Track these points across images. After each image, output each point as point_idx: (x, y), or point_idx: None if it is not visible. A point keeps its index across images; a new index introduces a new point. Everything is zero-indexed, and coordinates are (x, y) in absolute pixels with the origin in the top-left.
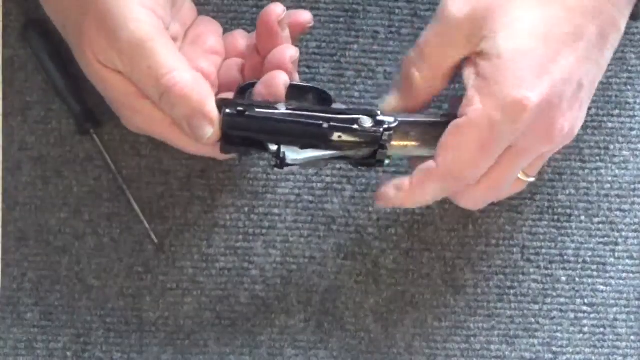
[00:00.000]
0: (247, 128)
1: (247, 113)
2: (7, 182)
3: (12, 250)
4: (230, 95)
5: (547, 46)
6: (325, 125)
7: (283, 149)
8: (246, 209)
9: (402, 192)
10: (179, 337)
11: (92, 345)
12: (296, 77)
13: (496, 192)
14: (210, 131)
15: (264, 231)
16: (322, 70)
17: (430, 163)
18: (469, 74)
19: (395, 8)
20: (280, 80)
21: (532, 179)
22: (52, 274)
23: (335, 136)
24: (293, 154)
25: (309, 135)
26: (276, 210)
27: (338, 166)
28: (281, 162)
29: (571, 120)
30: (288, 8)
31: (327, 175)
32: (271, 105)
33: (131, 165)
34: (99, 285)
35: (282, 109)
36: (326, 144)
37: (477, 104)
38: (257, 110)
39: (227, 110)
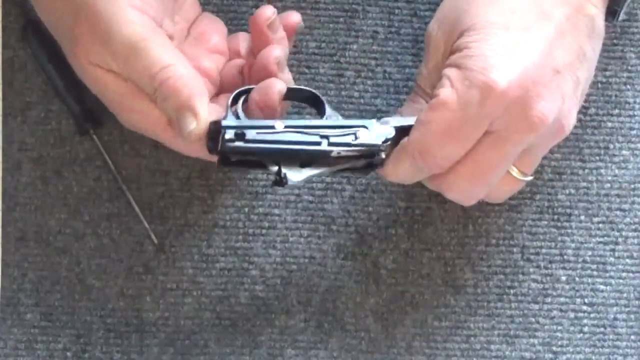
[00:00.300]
0: (247, 152)
1: (246, 137)
2: (6, 182)
3: (12, 250)
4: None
5: (513, 34)
6: (325, 142)
7: (283, 169)
8: (246, 209)
9: (385, 163)
10: (179, 338)
11: (92, 345)
12: (287, 76)
13: (481, 182)
14: (193, 124)
15: (263, 231)
16: (322, 70)
17: (405, 139)
18: (443, 67)
19: (395, 8)
20: (275, 89)
21: (528, 178)
22: (52, 275)
23: (335, 153)
24: (293, 174)
25: (309, 155)
26: (276, 211)
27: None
28: (281, 181)
29: (553, 109)
30: (288, 8)
31: (327, 176)
32: (268, 125)
33: (131, 166)
34: (99, 286)
35: (279, 128)
36: (326, 160)
37: (448, 87)
38: (256, 132)
39: (227, 136)
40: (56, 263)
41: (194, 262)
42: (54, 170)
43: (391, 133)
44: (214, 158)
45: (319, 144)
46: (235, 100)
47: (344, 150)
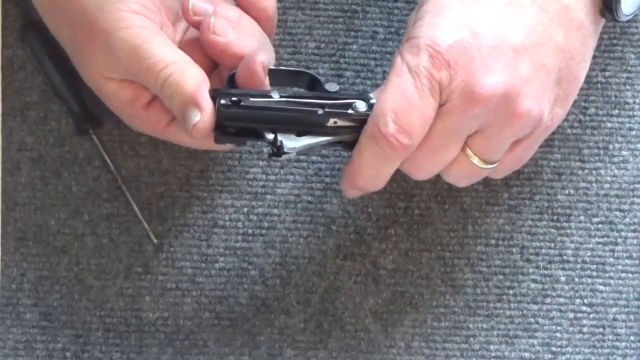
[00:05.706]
0: (242, 118)
1: (242, 103)
2: (6, 182)
3: (12, 250)
4: None
5: (470, 9)
6: (321, 111)
7: (279, 136)
8: (245, 210)
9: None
10: (178, 338)
11: (92, 345)
12: (268, 55)
13: (430, 155)
14: (197, 117)
15: (263, 231)
16: (321, 70)
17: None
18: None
19: (395, 8)
20: (257, 59)
21: (488, 167)
22: (51, 275)
23: (331, 122)
24: (290, 142)
25: (305, 123)
26: (275, 211)
27: (337, 166)
28: (278, 150)
29: (501, 84)
30: (288, 9)
31: (327, 176)
32: (265, 93)
33: (130, 166)
34: (98, 286)
35: (276, 97)
36: (322, 129)
37: (399, 59)
38: (251, 99)
39: (222, 102)
40: (55, 263)
41: (194, 262)
42: (53, 170)
43: None
44: (219, 147)
45: (314, 111)
46: (231, 80)
47: (340, 120)
